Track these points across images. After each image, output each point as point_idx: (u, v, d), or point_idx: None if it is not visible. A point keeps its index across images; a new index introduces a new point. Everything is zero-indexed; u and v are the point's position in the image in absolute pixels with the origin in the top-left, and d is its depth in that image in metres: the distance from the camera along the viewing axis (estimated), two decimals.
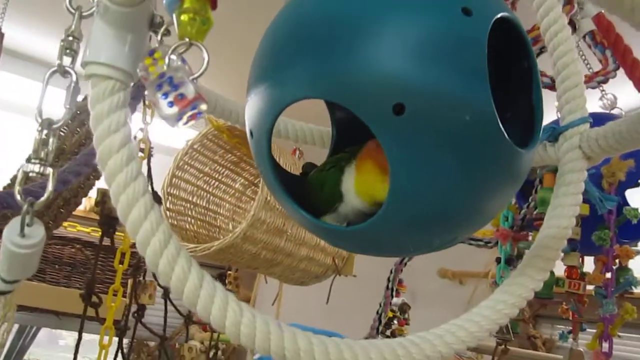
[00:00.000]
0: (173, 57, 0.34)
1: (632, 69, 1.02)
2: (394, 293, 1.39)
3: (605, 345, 0.85)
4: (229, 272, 1.67)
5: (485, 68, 0.41)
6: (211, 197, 1.55)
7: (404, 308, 1.92)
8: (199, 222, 1.49)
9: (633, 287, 0.90)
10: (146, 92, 0.34)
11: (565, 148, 0.61)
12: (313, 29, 0.42)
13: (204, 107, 0.33)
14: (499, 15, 0.44)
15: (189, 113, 0.33)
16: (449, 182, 0.41)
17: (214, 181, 1.54)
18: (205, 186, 1.52)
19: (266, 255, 1.35)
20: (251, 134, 0.48)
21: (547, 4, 0.63)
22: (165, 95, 0.32)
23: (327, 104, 0.65)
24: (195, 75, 0.34)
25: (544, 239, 0.58)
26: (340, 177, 0.49)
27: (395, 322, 1.85)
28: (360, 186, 0.48)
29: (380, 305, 1.43)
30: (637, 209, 0.88)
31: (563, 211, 0.58)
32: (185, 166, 1.43)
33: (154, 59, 0.34)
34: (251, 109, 0.48)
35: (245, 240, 1.25)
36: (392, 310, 1.81)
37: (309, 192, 0.52)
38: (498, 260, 1.03)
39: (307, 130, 0.76)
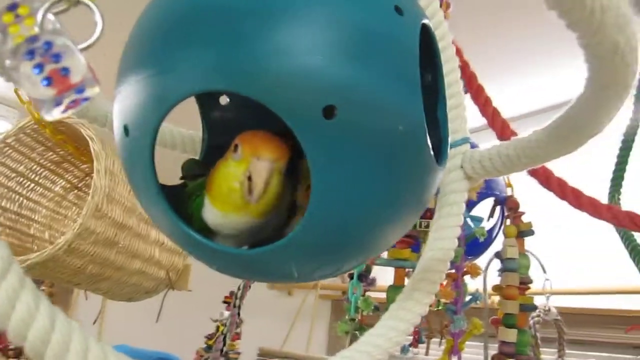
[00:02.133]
0: (50, 16, 0.24)
1: (477, 93, 1.07)
2: (239, 310, 1.31)
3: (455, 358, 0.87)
4: (42, 287, 1.45)
5: (418, 74, 0.36)
6: (24, 201, 1.33)
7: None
8: (8, 230, 1.27)
9: (477, 302, 0.94)
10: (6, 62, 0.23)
11: (448, 168, 0.60)
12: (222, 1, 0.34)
13: (95, 90, 0.23)
14: (424, 21, 0.40)
15: (73, 97, 0.23)
16: (374, 198, 0.36)
17: (29, 182, 1.33)
18: (18, 188, 1.30)
19: (92, 270, 1.18)
20: (125, 130, 0.38)
21: (435, 20, 0.62)
22: (39, 67, 0.22)
23: (199, 101, 0.57)
24: (85, 44, 0.24)
25: (428, 261, 0.55)
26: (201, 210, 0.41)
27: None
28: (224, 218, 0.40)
29: (224, 325, 1.34)
30: (484, 228, 0.93)
31: (446, 233, 0.57)
32: None
33: (17, 16, 0.24)
34: (127, 100, 0.38)
35: (69, 252, 1.08)
36: (223, 324, 1.73)
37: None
38: (351, 276, 1.02)
39: (168, 132, 0.66)
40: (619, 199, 1.14)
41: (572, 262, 1.80)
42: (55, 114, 0.23)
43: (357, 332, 0.99)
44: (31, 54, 0.22)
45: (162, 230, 0.43)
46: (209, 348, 1.60)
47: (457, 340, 0.86)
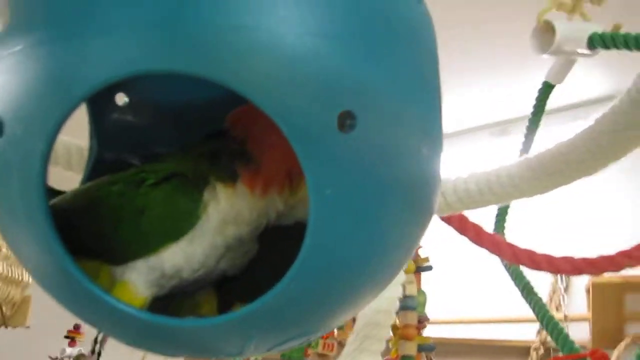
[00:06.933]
0: None
1: None
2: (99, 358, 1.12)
3: None
4: None
5: (439, 82, 0.27)
6: None
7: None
8: None
9: None
10: None
11: None
12: None
13: None
14: None
15: None
16: (384, 243, 0.26)
17: None
18: None
19: None
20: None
21: None
22: None
23: (90, 102, 0.43)
24: None
25: (373, 314, 0.46)
26: (192, 201, 0.30)
27: None
28: None
29: None
30: None
31: None
32: None
33: None
34: (9, 76, 0.24)
35: None
36: None
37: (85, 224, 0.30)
38: None
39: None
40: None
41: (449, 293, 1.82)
42: None
43: None
44: None
45: (35, 274, 0.28)
46: None
47: None
